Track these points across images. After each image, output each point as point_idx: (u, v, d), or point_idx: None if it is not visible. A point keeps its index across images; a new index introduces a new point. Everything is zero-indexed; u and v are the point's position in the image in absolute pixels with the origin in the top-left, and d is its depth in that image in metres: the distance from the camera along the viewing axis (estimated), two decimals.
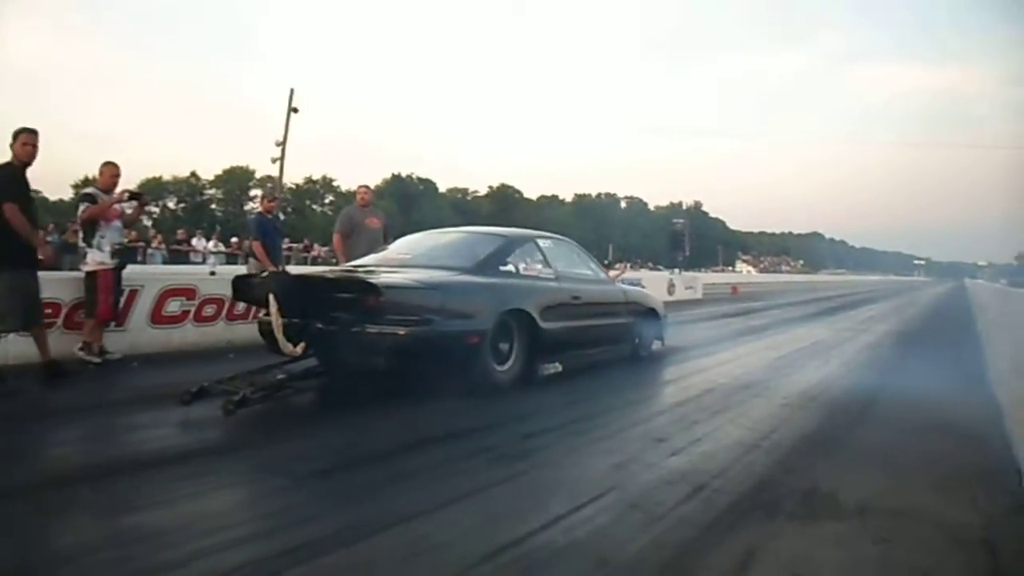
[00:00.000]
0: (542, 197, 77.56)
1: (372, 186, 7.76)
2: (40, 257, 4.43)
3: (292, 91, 23.65)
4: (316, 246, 24.71)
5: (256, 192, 52.83)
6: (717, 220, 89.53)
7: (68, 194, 39.04)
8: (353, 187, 8.59)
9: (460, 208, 63.69)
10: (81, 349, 5.16)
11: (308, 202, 60.71)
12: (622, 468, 2.89)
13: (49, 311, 5.03)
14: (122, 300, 5.50)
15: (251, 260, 7.00)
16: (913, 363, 6.83)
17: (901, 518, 2.42)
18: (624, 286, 6.56)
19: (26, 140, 4.40)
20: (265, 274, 4.44)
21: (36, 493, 2.48)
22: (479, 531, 2.18)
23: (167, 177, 55.24)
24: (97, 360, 5.15)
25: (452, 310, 4.21)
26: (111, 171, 5.34)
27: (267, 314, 4.12)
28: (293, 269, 6.42)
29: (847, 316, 13.46)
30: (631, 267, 27.80)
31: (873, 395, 4.75)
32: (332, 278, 4.45)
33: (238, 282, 4.63)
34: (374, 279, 4.06)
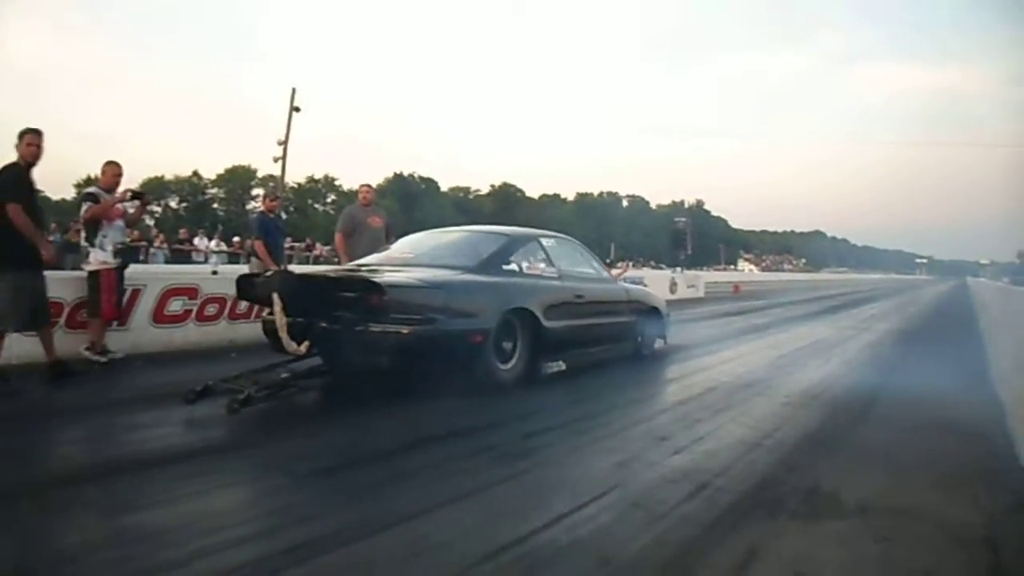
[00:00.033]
0: (544, 196, 77.65)
1: (374, 185, 7.76)
2: (44, 257, 4.43)
3: (294, 90, 23.68)
4: (318, 245, 24.72)
5: (258, 191, 53.03)
6: (719, 219, 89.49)
7: (70, 194, 39.11)
8: (355, 186, 8.59)
9: (462, 207, 63.70)
10: (87, 349, 5.18)
11: (310, 201, 60.87)
12: (624, 467, 2.89)
13: (52, 311, 5.03)
14: (124, 299, 5.52)
15: (253, 259, 7.01)
16: (915, 361, 6.82)
17: (903, 517, 2.42)
18: (627, 285, 6.57)
19: (31, 141, 4.41)
20: (269, 273, 4.45)
21: (39, 492, 2.49)
22: (481, 530, 2.18)
23: (169, 176, 55.56)
24: (104, 360, 5.16)
25: (456, 309, 4.21)
26: (113, 170, 5.35)
27: (271, 313, 4.14)
28: (296, 268, 6.43)
29: (849, 314, 13.44)
30: (633, 266, 27.80)
31: (875, 394, 4.74)
32: (336, 277, 4.46)
33: (242, 281, 4.64)
34: (378, 278, 4.06)
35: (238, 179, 57.14)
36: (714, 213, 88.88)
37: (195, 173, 56.94)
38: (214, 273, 8.56)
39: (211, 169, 58.04)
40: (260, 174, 53.73)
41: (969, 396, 4.66)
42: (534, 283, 4.93)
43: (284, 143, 23.66)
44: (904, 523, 2.36)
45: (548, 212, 65.27)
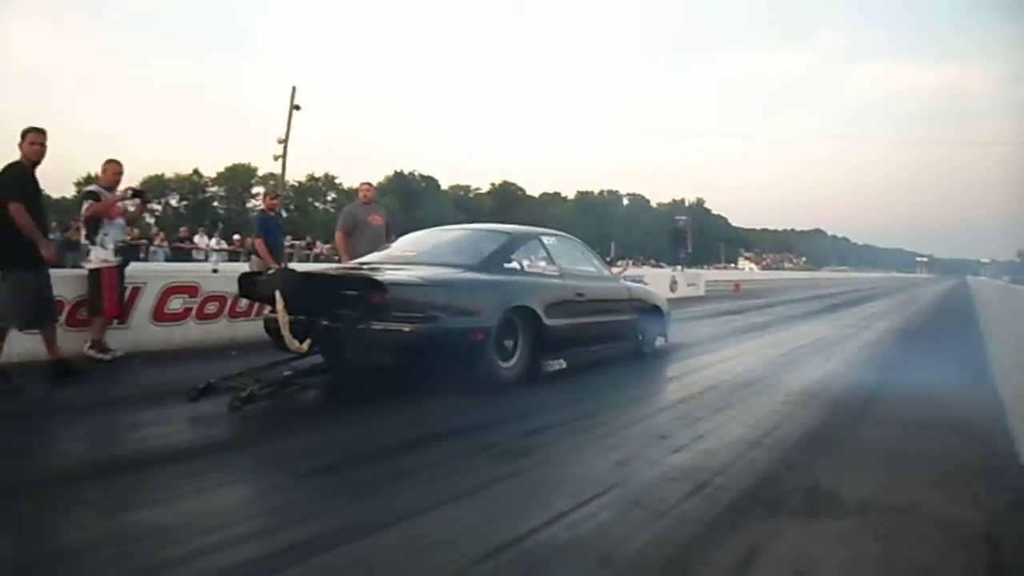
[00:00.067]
0: (544, 194, 77.50)
1: (374, 183, 7.76)
2: (44, 257, 4.41)
3: (294, 89, 23.67)
4: (318, 243, 24.69)
5: (258, 190, 52.91)
6: (719, 217, 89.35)
7: (70, 192, 39.08)
8: (355, 184, 8.58)
9: (462, 205, 63.60)
10: (91, 348, 5.18)
11: (310, 199, 60.77)
12: (624, 465, 2.89)
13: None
14: (125, 298, 5.52)
15: (253, 257, 7.01)
16: (915, 360, 6.82)
17: (903, 515, 2.42)
18: (628, 283, 6.56)
19: (34, 139, 4.40)
20: (272, 271, 4.45)
21: (40, 490, 2.50)
22: (481, 528, 2.19)
23: (169, 175, 55.45)
24: (108, 358, 5.17)
25: (457, 307, 4.22)
26: (114, 169, 5.36)
27: (273, 311, 4.14)
28: (297, 266, 6.43)
29: (849, 313, 13.44)
30: (633, 264, 27.79)
31: (875, 392, 4.74)
32: (338, 275, 4.46)
33: (244, 280, 4.64)
34: (380, 276, 4.06)
35: (238, 177, 57.05)
36: (714, 212, 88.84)
37: (195, 171, 56.89)
38: (214, 271, 8.56)
39: (211, 167, 58.03)
40: (260, 172, 53.69)
41: (969, 394, 4.67)
42: (535, 281, 4.93)
43: (284, 141, 23.66)
44: (904, 521, 2.36)
45: (548, 210, 65.13)
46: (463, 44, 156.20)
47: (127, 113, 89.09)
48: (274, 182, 28.05)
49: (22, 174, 4.36)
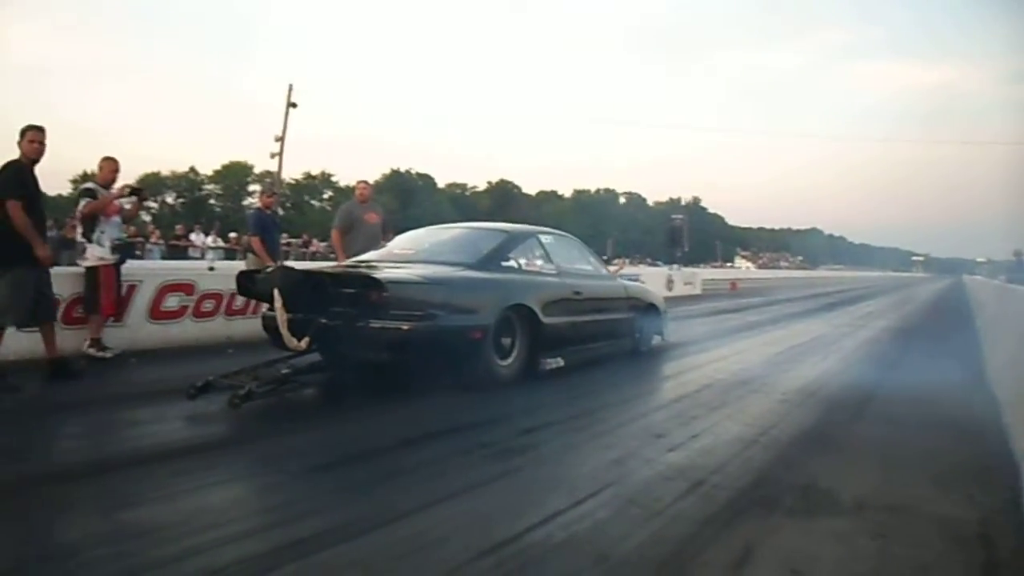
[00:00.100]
0: (541, 193, 77.52)
1: (371, 181, 7.76)
2: (39, 257, 4.36)
3: (291, 86, 23.65)
4: (315, 241, 24.61)
5: (255, 187, 52.81)
6: (716, 216, 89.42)
7: (67, 189, 38.92)
8: (352, 182, 8.57)
9: (459, 203, 63.53)
10: (91, 346, 5.17)
11: (307, 197, 60.67)
12: (621, 464, 2.90)
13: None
14: (121, 295, 5.50)
15: (250, 255, 7.01)
16: (911, 359, 6.84)
17: (899, 513, 2.43)
18: (625, 281, 6.57)
19: (33, 137, 4.37)
20: (271, 269, 4.45)
21: (38, 488, 2.49)
22: (477, 527, 2.19)
23: (166, 172, 55.22)
24: (108, 356, 5.16)
25: (455, 305, 4.23)
26: (110, 166, 5.34)
27: (271, 309, 4.14)
28: (295, 264, 6.42)
29: (845, 312, 13.46)
30: (630, 263, 27.80)
31: (871, 391, 4.75)
32: (336, 273, 4.46)
33: (243, 278, 4.63)
34: (378, 274, 4.07)
35: (235, 175, 56.90)
36: (711, 210, 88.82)
37: (192, 169, 56.78)
38: (211, 269, 8.53)
39: (208, 165, 58.06)
40: (257, 170, 53.48)
41: (965, 394, 4.68)
42: (533, 280, 4.94)
43: (281, 139, 23.65)
44: (900, 520, 2.37)
45: (545, 209, 65.22)
46: (460, 42, 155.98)
47: (123, 110, 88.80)
48: (271, 180, 27.93)
49: (21, 172, 4.33)
